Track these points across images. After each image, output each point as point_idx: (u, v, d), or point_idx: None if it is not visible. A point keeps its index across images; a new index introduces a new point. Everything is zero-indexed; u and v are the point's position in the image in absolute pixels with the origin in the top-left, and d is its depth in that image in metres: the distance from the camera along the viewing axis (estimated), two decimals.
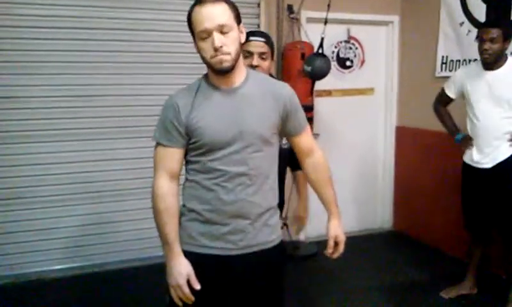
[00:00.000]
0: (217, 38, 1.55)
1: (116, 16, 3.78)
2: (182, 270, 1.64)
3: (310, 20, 4.26)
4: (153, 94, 3.85)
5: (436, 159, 4.28)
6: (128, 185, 3.93)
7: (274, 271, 1.81)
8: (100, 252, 3.92)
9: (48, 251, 3.79)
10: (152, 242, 4.02)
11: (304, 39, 4.18)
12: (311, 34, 4.16)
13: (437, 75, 4.21)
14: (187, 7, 1.63)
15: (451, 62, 4.06)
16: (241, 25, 1.66)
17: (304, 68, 3.72)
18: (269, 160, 1.73)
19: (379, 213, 4.95)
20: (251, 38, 2.26)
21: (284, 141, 2.21)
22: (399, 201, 4.90)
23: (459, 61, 3.97)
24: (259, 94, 1.70)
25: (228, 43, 1.58)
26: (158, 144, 1.69)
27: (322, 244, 4.47)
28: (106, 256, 3.93)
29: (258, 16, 4.11)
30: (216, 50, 1.56)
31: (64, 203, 3.79)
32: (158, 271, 3.96)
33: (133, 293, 3.47)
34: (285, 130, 1.78)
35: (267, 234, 1.75)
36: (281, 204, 2.40)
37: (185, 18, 1.64)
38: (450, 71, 4.05)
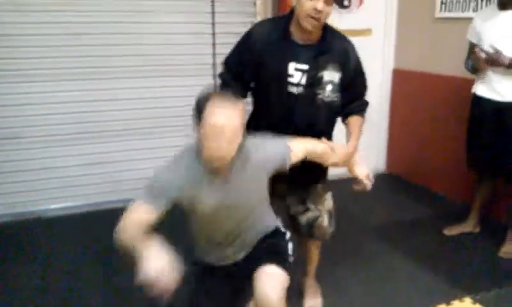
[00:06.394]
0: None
1: None
2: (152, 263, 1.59)
3: None
4: (156, 32, 3.83)
5: (432, 103, 4.28)
6: (128, 125, 3.95)
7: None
8: (98, 191, 3.97)
9: (46, 190, 3.83)
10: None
11: None
12: None
13: (436, 16, 4.13)
14: None
15: (451, 3, 3.97)
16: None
17: None
18: (258, 214, 1.97)
19: (373, 156, 4.97)
20: None
21: (327, 93, 2.16)
22: (392, 143, 4.92)
23: (459, 1, 3.88)
24: (251, 173, 1.81)
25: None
26: (142, 200, 1.72)
27: None
28: (104, 196, 3.98)
29: None
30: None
31: (62, 143, 3.80)
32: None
33: None
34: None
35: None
36: None
37: None
38: (450, 11, 3.98)
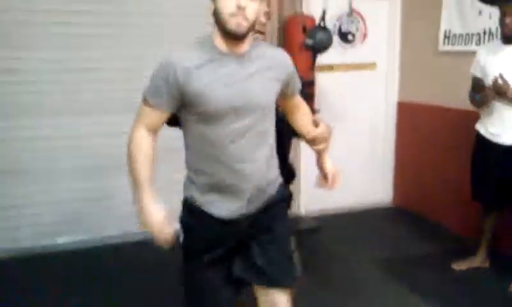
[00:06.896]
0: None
1: None
2: (154, 216, 1.63)
3: None
4: (149, 67, 3.83)
5: (437, 134, 4.27)
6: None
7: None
8: (104, 225, 3.95)
9: (51, 224, 3.81)
10: None
11: (306, 12, 4.13)
12: (313, 7, 4.11)
13: (440, 49, 4.17)
14: None
15: (454, 37, 4.02)
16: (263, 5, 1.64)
17: (305, 42, 3.68)
18: (269, 128, 1.75)
19: (379, 189, 4.95)
20: None
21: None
22: (398, 176, 4.90)
23: (462, 35, 3.93)
24: (265, 63, 1.69)
25: (250, 10, 1.55)
26: (145, 100, 1.64)
27: (322, 218, 4.53)
28: (111, 230, 3.95)
29: None
30: (238, 8, 1.52)
31: (67, 177, 3.81)
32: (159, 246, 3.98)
33: (136, 266, 3.50)
34: (282, 93, 1.79)
35: (266, 197, 1.77)
36: (290, 174, 2.37)
37: None
38: (453, 45, 4.02)
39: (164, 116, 1.66)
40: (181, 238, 1.78)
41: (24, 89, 3.62)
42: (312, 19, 3.96)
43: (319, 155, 2.00)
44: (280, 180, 1.86)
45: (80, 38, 3.70)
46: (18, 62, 3.58)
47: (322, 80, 4.35)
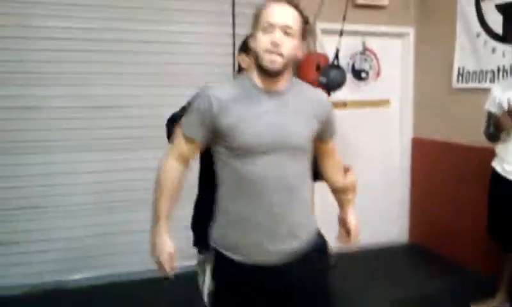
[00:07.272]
0: (279, 35, 1.55)
1: (131, 28, 3.84)
2: (165, 248, 1.68)
3: (326, 31, 4.27)
4: (167, 105, 3.89)
5: (452, 171, 4.24)
6: (146, 195, 3.95)
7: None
8: (119, 262, 3.94)
9: (67, 260, 3.82)
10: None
11: (319, 50, 4.19)
12: (326, 45, 4.17)
13: (454, 86, 4.19)
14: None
15: (468, 74, 4.04)
16: (303, 43, 1.65)
17: (319, 80, 3.73)
18: (305, 169, 1.71)
19: (395, 226, 4.90)
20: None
21: None
22: (414, 213, 4.85)
23: (476, 72, 3.94)
24: (302, 101, 1.68)
25: (286, 46, 1.56)
26: (179, 129, 1.67)
27: (337, 256, 4.46)
28: (126, 266, 3.94)
29: None
30: (273, 45, 1.55)
31: (80, 213, 3.83)
32: (180, 281, 3.96)
33: (151, 304, 3.47)
34: (320, 133, 1.76)
35: (301, 245, 1.69)
36: None
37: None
38: (467, 83, 4.03)
39: (196, 147, 1.68)
40: (208, 282, 1.82)
41: (44, 126, 3.70)
42: (326, 57, 4.01)
43: (343, 207, 1.95)
44: (317, 226, 1.77)
45: (98, 76, 3.79)
46: (37, 100, 3.67)
47: (336, 117, 4.36)
